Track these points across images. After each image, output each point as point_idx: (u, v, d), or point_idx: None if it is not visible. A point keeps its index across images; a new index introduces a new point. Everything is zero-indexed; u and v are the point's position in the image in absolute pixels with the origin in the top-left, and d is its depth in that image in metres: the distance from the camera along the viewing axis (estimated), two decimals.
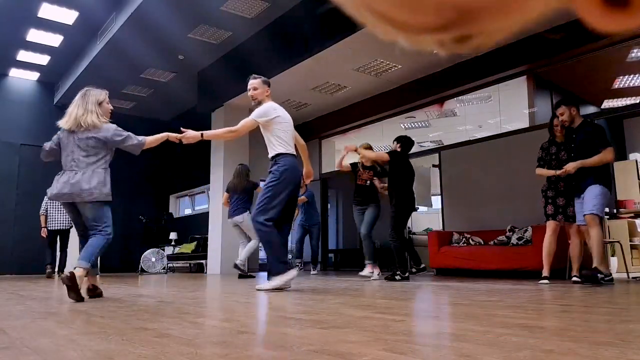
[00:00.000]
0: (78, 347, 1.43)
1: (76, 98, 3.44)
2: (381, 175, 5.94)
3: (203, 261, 9.98)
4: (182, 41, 8.43)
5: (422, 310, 2.50)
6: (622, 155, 8.23)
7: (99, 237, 3.26)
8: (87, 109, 3.35)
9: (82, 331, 1.78)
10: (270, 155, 4.09)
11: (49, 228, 8.25)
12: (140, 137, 3.45)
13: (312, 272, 7.86)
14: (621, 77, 7.16)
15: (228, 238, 8.60)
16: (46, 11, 8.16)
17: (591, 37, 5.93)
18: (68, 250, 8.37)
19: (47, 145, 3.49)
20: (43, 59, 10.16)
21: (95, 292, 3.40)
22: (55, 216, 8.26)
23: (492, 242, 6.32)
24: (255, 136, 4.41)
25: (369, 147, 5.97)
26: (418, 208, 9.70)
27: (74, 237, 8.32)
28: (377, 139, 8.58)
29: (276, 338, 1.58)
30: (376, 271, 5.85)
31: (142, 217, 11.56)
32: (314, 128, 10.10)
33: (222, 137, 4.28)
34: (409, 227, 9.22)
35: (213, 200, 9.56)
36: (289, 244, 5.95)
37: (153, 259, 10.10)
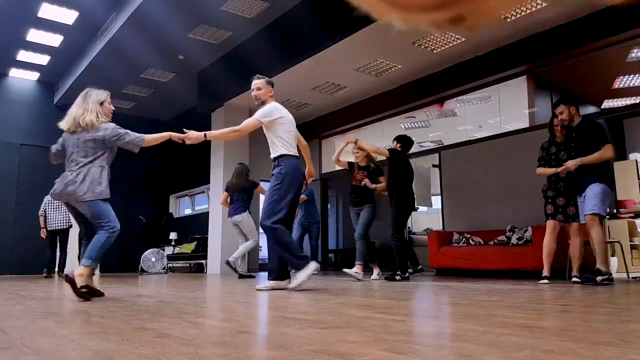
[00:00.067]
0: (78, 347, 1.43)
1: (77, 99, 3.45)
2: (374, 174, 5.84)
3: (203, 261, 9.98)
4: (182, 41, 8.43)
5: (422, 310, 2.50)
6: (622, 155, 8.23)
7: (101, 232, 3.26)
8: (87, 108, 3.35)
9: (82, 331, 1.78)
10: (272, 156, 4.08)
11: (48, 229, 8.26)
12: (139, 136, 3.44)
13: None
14: (621, 77, 7.16)
15: (228, 238, 8.59)
16: (46, 11, 8.16)
17: (591, 37, 5.94)
18: (68, 249, 8.39)
19: (54, 147, 3.50)
20: (43, 59, 10.16)
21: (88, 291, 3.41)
22: (53, 217, 8.27)
23: (492, 242, 6.32)
24: (255, 136, 4.41)
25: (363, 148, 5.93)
26: (418, 208, 9.71)
27: (73, 236, 8.36)
28: (377, 139, 8.57)
29: (276, 338, 1.58)
30: (376, 271, 5.84)
31: (142, 217, 11.56)
32: (314, 128, 10.11)
33: (225, 137, 4.28)
34: (409, 227, 9.23)
35: (213, 200, 9.56)
36: None
37: (153, 259, 10.10)
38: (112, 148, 3.42)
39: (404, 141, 5.76)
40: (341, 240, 11.75)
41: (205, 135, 3.80)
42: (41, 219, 8.30)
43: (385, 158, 5.77)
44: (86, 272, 3.16)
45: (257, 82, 4.17)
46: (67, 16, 8.33)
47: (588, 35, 5.95)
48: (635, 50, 6.17)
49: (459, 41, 6.74)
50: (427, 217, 10.73)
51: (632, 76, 7.07)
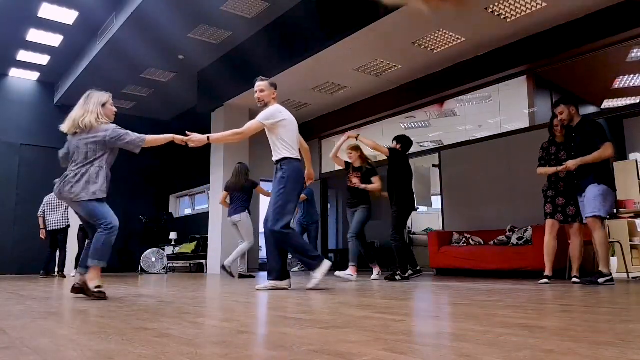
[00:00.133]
0: (78, 347, 1.43)
1: (79, 101, 3.46)
2: (368, 175, 5.78)
3: (203, 261, 9.98)
4: (182, 41, 8.43)
5: (422, 310, 2.50)
6: (622, 155, 8.23)
7: (99, 232, 3.28)
8: (88, 109, 3.36)
9: (82, 331, 1.78)
10: (274, 159, 4.08)
11: (48, 229, 8.28)
12: (140, 136, 3.43)
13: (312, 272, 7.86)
14: (621, 77, 7.15)
15: (228, 238, 8.59)
16: (46, 11, 8.17)
17: (591, 37, 5.94)
18: (68, 249, 8.39)
19: (61, 152, 3.51)
20: (43, 59, 10.16)
21: (79, 292, 3.43)
22: (51, 217, 8.29)
23: (492, 242, 6.32)
24: (255, 136, 4.40)
25: (358, 148, 5.91)
26: (418, 208, 9.71)
27: (73, 236, 8.36)
28: (377, 139, 8.52)
29: (276, 338, 1.58)
30: (376, 271, 5.83)
31: (142, 217, 11.56)
32: (314, 128, 10.11)
33: (228, 140, 4.28)
34: (409, 227, 9.22)
35: (213, 200, 9.55)
36: None
37: (153, 259, 10.10)
38: (114, 149, 3.42)
39: (404, 142, 5.75)
40: (341, 240, 11.74)
41: (208, 138, 3.81)
42: (40, 220, 8.32)
43: (385, 157, 5.76)
44: (94, 273, 3.23)
45: (260, 84, 4.16)
46: (67, 16, 8.33)
47: (588, 35, 5.95)
48: (635, 50, 6.17)
49: (459, 41, 6.74)
50: (427, 217, 10.73)
51: (632, 76, 7.07)
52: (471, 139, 7.65)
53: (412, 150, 6.01)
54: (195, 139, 3.72)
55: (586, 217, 4.23)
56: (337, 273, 5.84)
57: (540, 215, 4.88)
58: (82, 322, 2.07)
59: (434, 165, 8.66)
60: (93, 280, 3.22)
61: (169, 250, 10.87)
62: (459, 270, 6.48)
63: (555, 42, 6.27)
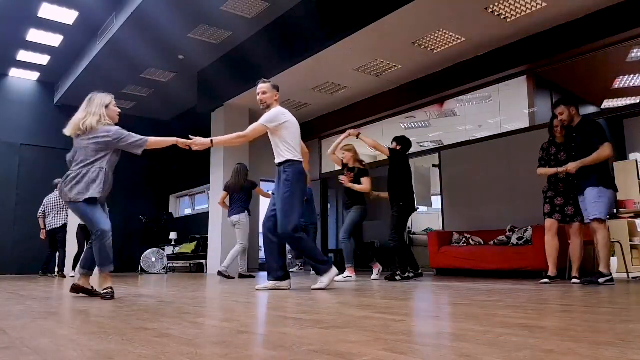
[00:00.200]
0: (78, 347, 1.43)
1: (82, 104, 3.46)
2: (359, 175, 5.73)
3: (203, 261, 9.99)
4: (182, 41, 8.43)
5: (422, 310, 2.50)
6: (622, 155, 8.22)
7: (93, 243, 3.33)
8: (90, 112, 3.37)
9: (82, 331, 1.78)
10: (277, 161, 4.07)
11: (47, 229, 8.31)
12: (142, 137, 3.43)
13: (311, 272, 7.86)
14: (621, 77, 7.15)
15: (228, 238, 8.59)
16: (46, 11, 8.17)
17: (591, 37, 5.94)
18: (67, 247, 8.39)
19: (68, 156, 3.51)
20: (43, 59, 10.17)
21: (77, 291, 3.50)
22: (50, 217, 8.32)
23: (492, 242, 6.32)
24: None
25: (352, 149, 5.90)
26: (418, 208, 9.71)
27: (72, 235, 8.35)
28: (377, 139, 8.53)
29: (276, 338, 1.58)
30: (376, 270, 5.83)
31: (142, 217, 11.56)
32: (314, 128, 10.10)
33: (232, 144, 4.27)
34: (409, 227, 9.22)
35: (213, 200, 9.55)
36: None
37: (153, 259, 10.10)
38: (117, 150, 3.42)
39: (404, 142, 5.75)
40: None
41: (212, 141, 3.81)
42: (40, 221, 8.35)
43: (385, 157, 5.75)
44: (103, 277, 3.35)
45: (263, 86, 4.15)
46: (67, 16, 8.34)
47: (588, 35, 5.95)
48: (635, 50, 6.17)
49: (459, 41, 6.74)
50: (427, 217, 10.73)
51: (632, 76, 7.06)
52: (471, 139, 7.64)
53: (412, 150, 6.00)
54: (199, 142, 3.72)
55: (589, 220, 4.22)
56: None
57: (540, 215, 4.88)
58: (82, 322, 2.07)
59: (434, 165, 8.66)
60: (104, 283, 3.33)
61: (169, 250, 10.87)
62: (459, 270, 6.48)
63: (555, 42, 6.27)
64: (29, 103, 11.26)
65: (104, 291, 3.27)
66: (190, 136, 3.75)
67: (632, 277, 5.17)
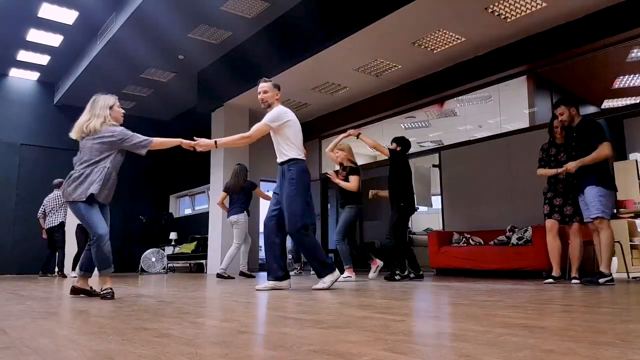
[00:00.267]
0: (78, 347, 1.43)
1: (86, 107, 3.46)
2: (349, 173, 5.70)
3: (203, 261, 9.99)
4: (182, 41, 8.43)
5: (422, 310, 2.50)
6: (622, 155, 8.22)
7: (91, 246, 3.32)
8: (94, 114, 3.38)
9: (82, 331, 1.78)
10: (280, 160, 4.07)
11: (46, 227, 8.32)
12: (147, 138, 3.43)
13: (311, 272, 7.86)
14: (621, 77, 7.15)
15: (228, 238, 8.58)
16: (46, 11, 8.17)
17: (591, 37, 5.94)
18: (67, 247, 8.38)
19: (75, 159, 3.51)
20: (43, 59, 10.17)
21: (77, 293, 3.51)
22: (49, 216, 8.32)
23: (492, 242, 6.32)
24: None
25: (347, 148, 5.88)
26: (418, 208, 9.71)
27: (72, 235, 8.34)
28: (377, 139, 8.52)
29: (276, 338, 1.58)
30: (373, 267, 5.83)
31: (142, 217, 11.56)
32: (314, 128, 10.10)
33: (236, 144, 4.26)
34: (409, 227, 9.21)
35: (213, 200, 9.56)
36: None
37: (153, 259, 10.10)
38: (121, 150, 3.42)
39: (403, 143, 5.74)
40: None
41: (215, 142, 3.81)
42: (41, 221, 8.35)
43: (385, 157, 5.75)
44: (102, 278, 3.37)
45: (264, 85, 4.15)
46: (67, 16, 8.34)
47: (588, 35, 5.95)
48: (635, 50, 6.17)
49: (459, 41, 6.74)
50: (427, 217, 10.72)
51: (632, 76, 7.06)
52: (471, 139, 7.65)
53: (412, 150, 5.99)
54: (203, 143, 3.72)
55: (592, 219, 4.21)
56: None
57: (541, 215, 4.88)
58: (82, 322, 2.07)
59: (434, 165, 8.66)
60: (104, 284, 3.35)
61: (169, 250, 10.87)
62: (459, 270, 6.48)
63: (555, 42, 6.27)
64: (29, 103, 11.26)
65: (104, 291, 3.28)
66: (195, 137, 3.76)
67: (632, 277, 5.17)
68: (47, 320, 2.13)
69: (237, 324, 1.94)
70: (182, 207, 13.32)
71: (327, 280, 3.99)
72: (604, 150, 4.19)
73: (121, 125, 3.47)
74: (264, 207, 6.29)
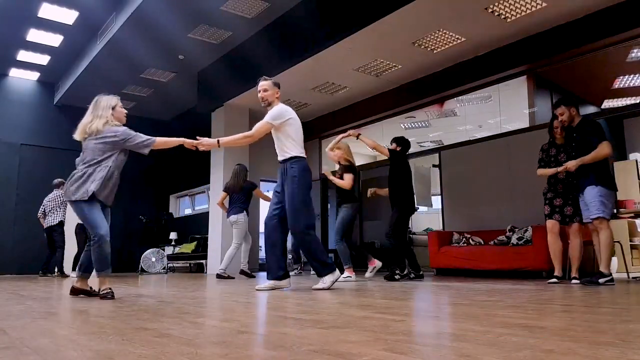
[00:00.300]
0: (78, 347, 1.43)
1: (89, 108, 3.47)
2: (344, 171, 5.70)
3: (203, 261, 9.99)
4: (182, 41, 8.43)
5: (422, 310, 2.50)
6: (622, 155, 8.22)
7: (91, 246, 3.32)
8: (97, 115, 3.38)
9: (82, 331, 1.78)
10: (281, 158, 4.06)
11: (45, 227, 8.33)
12: (150, 137, 3.43)
13: (311, 272, 7.86)
14: (621, 77, 7.15)
15: (228, 238, 8.58)
16: (46, 11, 8.17)
17: (591, 37, 5.94)
18: (67, 247, 8.38)
19: (78, 160, 3.51)
20: (43, 59, 10.17)
21: (76, 293, 3.52)
22: (48, 216, 8.32)
23: (492, 242, 6.32)
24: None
25: (344, 147, 5.88)
26: (418, 208, 9.72)
27: (71, 235, 8.34)
28: (377, 139, 8.52)
29: (276, 338, 1.58)
30: (370, 267, 5.83)
31: (142, 217, 11.56)
32: (314, 128, 10.11)
33: (238, 143, 4.25)
34: (409, 227, 9.21)
35: (213, 200, 9.56)
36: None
37: (153, 259, 10.10)
38: (124, 150, 3.42)
39: (403, 143, 5.74)
40: None
41: (218, 142, 3.81)
42: (41, 221, 8.36)
43: (385, 158, 5.75)
44: (101, 280, 3.37)
45: (264, 84, 4.15)
46: (67, 16, 8.34)
47: (588, 35, 5.95)
48: (635, 50, 6.17)
49: (459, 41, 6.74)
50: (427, 217, 10.72)
51: (632, 76, 7.07)
52: (471, 139, 7.65)
53: (412, 150, 5.99)
54: (206, 142, 3.72)
55: (591, 219, 4.21)
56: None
57: (541, 216, 4.89)
58: (82, 322, 2.07)
59: (434, 165, 8.66)
60: (102, 285, 3.36)
61: (169, 250, 10.87)
62: (459, 270, 6.48)
63: (555, 42, 6.27)
64: (29, 103, 11.26)
65: (103, 291, 3.28)
66: (197, 137, 3.75)
67: (632, 277, 5.17)
68: (47, 320, 2.13)
69: (237, 324, 1.94)
70: (182, 207, 13.32)
71: (327, 280, 3.98)
72: (603, 149, 4.18)
73: (124, 125, 3.48)
74: (264, 207, 6.29)
